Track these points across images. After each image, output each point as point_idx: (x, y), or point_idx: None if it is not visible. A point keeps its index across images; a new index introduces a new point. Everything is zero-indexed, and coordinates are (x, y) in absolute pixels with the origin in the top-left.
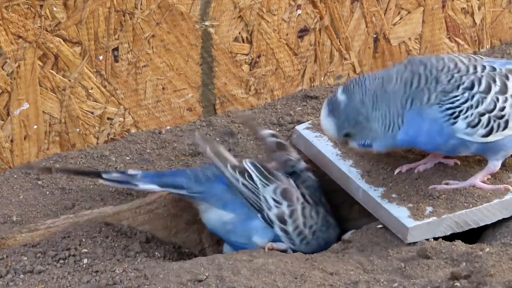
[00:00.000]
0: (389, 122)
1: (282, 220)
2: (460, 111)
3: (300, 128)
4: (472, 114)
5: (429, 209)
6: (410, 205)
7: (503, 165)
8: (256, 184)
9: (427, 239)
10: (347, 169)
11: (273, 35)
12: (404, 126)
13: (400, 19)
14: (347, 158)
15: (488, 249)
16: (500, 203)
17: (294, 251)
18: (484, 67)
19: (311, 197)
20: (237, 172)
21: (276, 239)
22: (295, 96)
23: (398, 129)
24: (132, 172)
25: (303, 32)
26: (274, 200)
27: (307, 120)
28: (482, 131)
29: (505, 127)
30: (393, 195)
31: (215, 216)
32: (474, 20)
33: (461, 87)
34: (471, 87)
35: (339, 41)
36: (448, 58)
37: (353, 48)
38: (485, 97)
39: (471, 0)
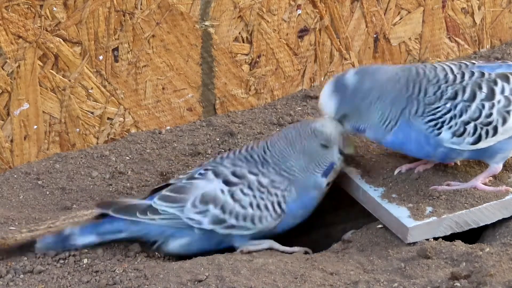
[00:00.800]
0: (387, 119)
1: (220, 221)
2: (443, 121)
3: None
4: (456, 123)
5: (429, 209)
6: (410, 205)
7: (503, 165)
8: (174, 213)
9: (427, 239)
10: (347, 169)
11: (273, 35)
12: (395, 129)
13: (400, 19)
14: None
15: (488, 249)
16: (500, 203)
17: (278, 234)
18: (472, 74)
19: (236, 172)
20: (149, 214)
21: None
22: (295, 96)
23: (390, 129)
24: (68, 231)
25: (303, 32)
26: (198, 213)
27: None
28: (469, 139)
29: (495, 133)
30: (393, 195)
31: (173, 245)
32: (474, 20)
33: (443, 98)
34: (454, 96)
35: (339, 41)
36: (440, 67)
37: (353, 48)
38: (470, 106)
39: (471, 0)
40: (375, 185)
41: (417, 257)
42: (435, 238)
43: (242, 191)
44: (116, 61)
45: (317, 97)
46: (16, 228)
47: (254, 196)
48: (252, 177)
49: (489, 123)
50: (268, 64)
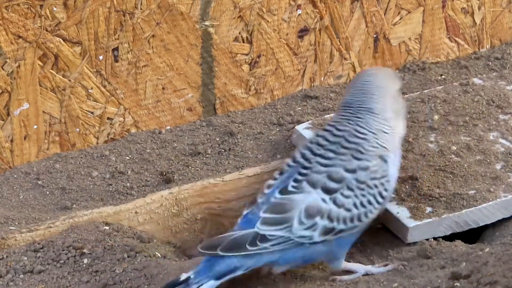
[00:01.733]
0: None
1: (330, 230)
2: None
3: (300, 128)
4: None
5: (429, 209)
6: (410, 205)
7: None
8: (283, 236)
9: (427, 239)
10: None
11: (273, 35)
12: None
13: (400, 19)
14: None
15: (488, 249)
16: (501, 203)
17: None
18: None
19: (332, 176)
20: (259, 243)
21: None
22: (295, 96)
23: None
24: (183, 276)
25: (303, 32)
26: (307, 228)
27: (307, 120)
28: None
29: None
30: (393, 195)
31: (285, 262)
32: (474, 20)
33: None
34: None
35: (339, 41)
36: None
37: (353, 48)
38: None
39: (471, 0)
40: None
41: (417, 257)
42: (435, 238)
43: (343, 194)
44: (116, 61)
45: (317, 97)
46: (16, 228)
47: (356, 196)
48: (349, 176)
49: None
50: (268, 64)
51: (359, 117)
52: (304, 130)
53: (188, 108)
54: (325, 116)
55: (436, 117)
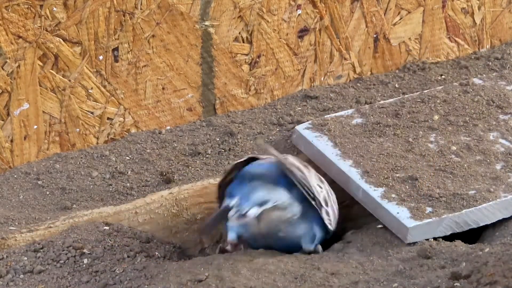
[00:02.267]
0: None
1: (326, 202)
2: None
3: (300, 128)
4: None
5: (429, 209)
6: (410, 205)
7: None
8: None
9: (427, 239)
10: (347, 169)
11: (273, 35)
12: None
13: (400, 19)
14: (347, 158)
15: (488, 249)
16: (501, 203)
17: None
18: None
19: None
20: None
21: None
22: (295, 96)
23: None
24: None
25: (303, 32)
26: (318, 185)
27: (307, 120)
28: None
29: None
30: (393, 195)
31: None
32: (474, 20)
33: None
34: None
35: (339, 41)
36: None
37: (353, 48)
38: None
39: (471, 0)
40: (375, 185)
41: (417, 257)
42: (435, 238)
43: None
44: (116, 61)
45: (317, 97)
46: (16, 228)
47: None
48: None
49: None
50: (268, 64)
51: None
52: (304, 130)
53: (188, 108)
54: (325, 116)
55: (436, 117)
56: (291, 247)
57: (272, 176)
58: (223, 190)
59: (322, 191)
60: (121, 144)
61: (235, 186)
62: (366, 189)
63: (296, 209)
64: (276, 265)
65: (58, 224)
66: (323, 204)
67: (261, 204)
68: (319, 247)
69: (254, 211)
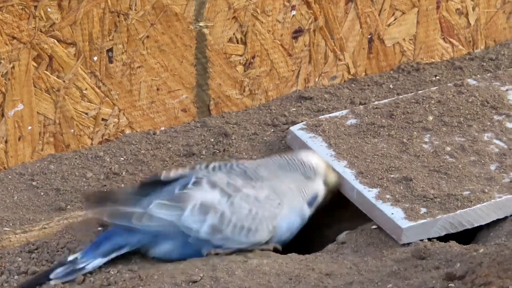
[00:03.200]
0: None
1: (217, 231)
2: None
3: (294, 129)
4: None
5: (423, 210)
6: (405, 205)
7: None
8: (171, 221)
9: (422, 240)
10: (342, 170)
11: (268, 36)
12: None
13: (394, 20)
14: (342, 159)
15: (482, 250)
16: (495, 203)
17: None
18: None
19: (231, 184)
20: (144, 221)
21: None
22: (289, 97)
23: None
24: (71, 257)
25: (297, 33)
26: (196, 222)
27: (302, 121)
28: None
29: None
30: (388, 196)
31: (158, 250)
32: (468, 21)
33: None
34: None
35: (334, 42)
36: None
37: (348, 49)
38: None
39: (465, 1)
40: (370, 186)
41: (412, 258)
42: (430, 239)
43: (239, 203)
44: (111, 62)
45: (311, 98)
46: (10, 229)
47: (250, 210)
48: (248, 191)
49: None
50: (262, 65)
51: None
52: (299, 131)
53: (182, 109)
54: (320, 117)
55: (430, 117)
56: None
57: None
58: None
59: (204, 223)
60: (115, 145)
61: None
62: (361, 190)
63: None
64: (271, 266)
65: (53, 225)
66: (210, 236)
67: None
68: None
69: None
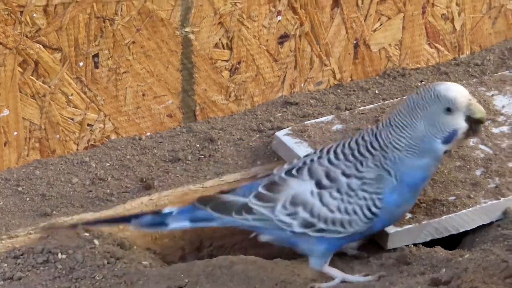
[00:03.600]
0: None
1: (309, 224)
2: None
3: (280, 134)
4: None
5: (409, 215)
6: None
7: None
8: (266, 214)
9: (407, 245)
10: None
11: (253, 41)
12: None
13: (380, 25)
14: None
15: (468, 255)
16: (480, 209)
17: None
18: None
19: (330, 174)
20: (244, 213)
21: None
22: (275, 102)
23: None
24: (167, 210)
25: (283, 38)
26: (288, 215)
27: (287, 126)
28: None
29: None
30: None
31: (267, 238)
32: (454, 26)
33: None
34: None
35: (319, 47)
36: None
37: (333, 54)
38: None
39: (451, 6)
40: None
41: (397, 263)
42: (415, 244)
43: (331, 194)
44: (97, 67)
45: (297, 103)
46: None
47: (342, 200)
48: (343, 179)
49: None
50: (248, 70)
51: (385, 130)
52: (284, 136)
53: (168, 115)
54: (305, 123)
55: None
56: None
57: None
58: None
59: (296, 217)
60: (101, 151)
61: None
62: None
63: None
64: (257, 271)
65: (38, 231)
66: (302, 229)
67: None
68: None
69: None
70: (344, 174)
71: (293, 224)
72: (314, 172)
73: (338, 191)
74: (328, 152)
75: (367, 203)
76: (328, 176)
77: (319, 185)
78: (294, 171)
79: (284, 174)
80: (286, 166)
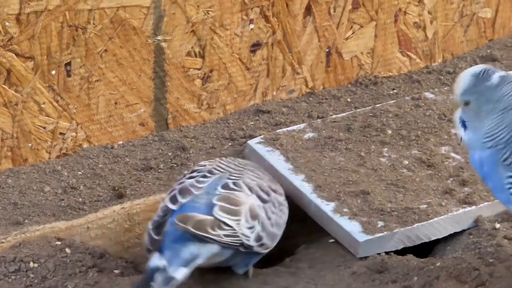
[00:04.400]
0: (493, 135)
1: (259, 238)
2: None
3: (252, 142)
4: None
5: (380, 223)
6: (362, 219)
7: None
8: (233, 228)
9: (379, 254)
10: (299, 184)
11: (226, 50)
12: (491, 151)
13: (352, 33)
14: (299, 173)
15: (440, 263)
16: (452, 217)
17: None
18: None
19: (262, 188)
20: (217, 229)
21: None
22: (247, 111)
23: (487, 147)
24: (160, 264)
25: (255, 46)
26: (249, 228)
27: (260, 135)
28: None
29: None
30: (345, 210)
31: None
32: (426, 34)
33: None
34: None
35: (292, 55)
36: None
37: (306, 63)
38: None
39: (423, 14)
40: (327, 199)
41: (369, 272)
42: (387, 253)
43: (271, 209)
44: (69, 75)
45: (269, 112)
46: None
47: (277, 215)
48: (273, 194)
49: None
50: (220, 78)
51: None
52: (256, 145)
53: (140, 123)
54: (278, 131)
55: (388, 131)
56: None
57: None
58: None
59: (253, 231)
60: (73, 159)
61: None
62: (318, 204)
63: (228, 251)
64: (228, 280)
65: (10, 239)
66: (255, 244)
67: (188, 262)
68: (250, 271)
69: (181, 273)
70: (271, 188)
71: (251, 237)
72: (251, 186)
73: (274, 205)
74: (232, 169)
75: (286, 220)
76: (262, 189)
77: (261, 199)
78: (231, 185)
79: (222, 189)
80: (200, 185)
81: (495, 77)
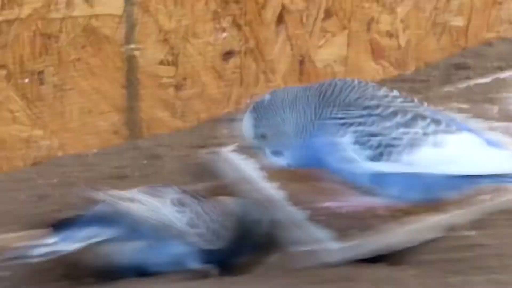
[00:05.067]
0: (302, 127)
1: (193, 225)
2: (351, 123)
3: (225, 151)
4: (363, 131)
5: (352, 231)
6: (334, 227)
7: None
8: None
9: (350, 262)
10: (273, 192)
11: (199, 58)
12: (311, 139)
13: (325, 41)
14: (274, 181)
15: (411, 271)
16: (424, 224)
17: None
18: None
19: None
20: None
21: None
22: (220, 119)
23: (309, 137)
24: (51, 240)
25: (228, 55)
26: (177, 211)
27: (233, 143)
28: (369, 152)
29: (397, 159)
30: (317, 217)
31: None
32: (399, 43)
33: (363, 105)
34: (374, 108)
35: (264, 64)
36: (374, 86)
37: (279, 71)
38: (384, 121)
39: (395, 23)
40: (300, 207)
41: (340, 280)
42: (358, 261)
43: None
44: (42, 84)
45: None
46: None
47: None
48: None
49: (395, 146)
50: (193, 87)
51: None
52: (230, 153)
53: (114, 131)
54: None
55: None
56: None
57: None
58: None
59: (185, 215)
60: (47, 167)
61: None
62: (291, 212)
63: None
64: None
65: None
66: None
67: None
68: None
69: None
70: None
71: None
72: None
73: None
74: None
75: None
76: None
77: None
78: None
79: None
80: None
81: (267, 95)
